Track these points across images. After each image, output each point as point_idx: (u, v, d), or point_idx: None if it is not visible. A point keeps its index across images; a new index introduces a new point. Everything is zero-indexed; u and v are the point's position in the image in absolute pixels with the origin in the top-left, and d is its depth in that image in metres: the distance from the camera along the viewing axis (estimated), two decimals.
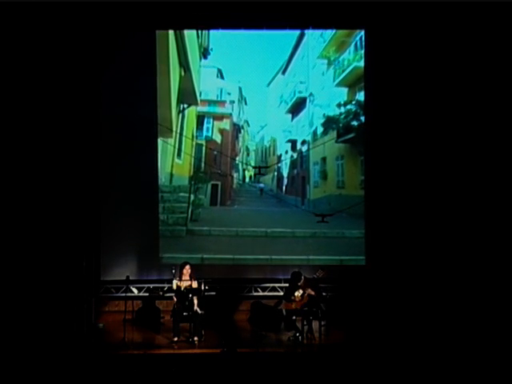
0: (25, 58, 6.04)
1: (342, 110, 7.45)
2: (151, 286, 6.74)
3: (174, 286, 5.81)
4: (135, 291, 6.62)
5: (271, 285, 6.86)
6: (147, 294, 6.72)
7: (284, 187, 7.64)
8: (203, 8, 6.38)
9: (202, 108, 7.50)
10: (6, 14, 5.83)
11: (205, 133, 7.54)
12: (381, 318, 6.09)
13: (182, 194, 7.31)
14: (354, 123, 7.40)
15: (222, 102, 7.61)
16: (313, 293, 5.75)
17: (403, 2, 6.25)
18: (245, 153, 7.78)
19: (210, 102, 7.57)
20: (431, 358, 4.94)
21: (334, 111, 7.46)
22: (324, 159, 7.50)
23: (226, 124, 7.62)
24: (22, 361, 4.84)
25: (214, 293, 6.52)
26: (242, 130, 7.78)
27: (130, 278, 6.13)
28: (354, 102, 7.40)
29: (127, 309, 5.79)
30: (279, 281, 6.79)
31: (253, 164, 7.69)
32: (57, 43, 6.13)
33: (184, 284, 5.82)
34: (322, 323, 5.86)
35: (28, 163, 6.13)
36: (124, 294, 6.04)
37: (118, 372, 4.72)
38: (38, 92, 6.12)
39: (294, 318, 5.76)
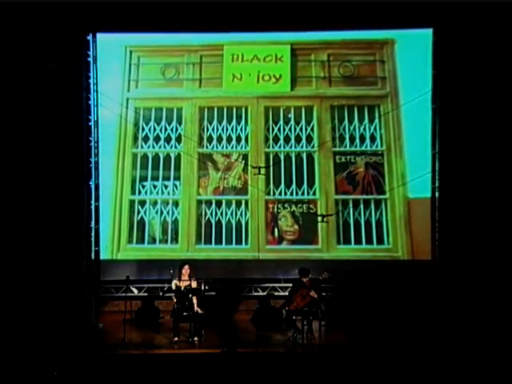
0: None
1: None
2: (151, 285, 7.98)
3: (174, 286, 7.00)
4: (135, 291, 7.91)
5: (271, 285, 8.10)
6: (147, 294, 7.98)
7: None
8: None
9: None
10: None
11: None
12: (382, 318, 7.26)
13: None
14: None
15: None
16: (315, 296, 6.95)
17: None
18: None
19: None
20: (432, 358, 6.00)
21: None
22: None
23: None
24: (22, 361, 5.79)
25: (213, 293, 7.72)
26: None
27: (130, 277, 7.32)
28: None
29: (127, 309, 6.91)
30: (279, 281, 8.01)
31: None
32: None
33: (184, 284, 6.97)
34: (322, 323, 7.03)
35: (27, 162, 7.39)
36: (124, 294, 7.22)
37: (117, 372, 5.66)
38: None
39: (294, 317, 6.97)
